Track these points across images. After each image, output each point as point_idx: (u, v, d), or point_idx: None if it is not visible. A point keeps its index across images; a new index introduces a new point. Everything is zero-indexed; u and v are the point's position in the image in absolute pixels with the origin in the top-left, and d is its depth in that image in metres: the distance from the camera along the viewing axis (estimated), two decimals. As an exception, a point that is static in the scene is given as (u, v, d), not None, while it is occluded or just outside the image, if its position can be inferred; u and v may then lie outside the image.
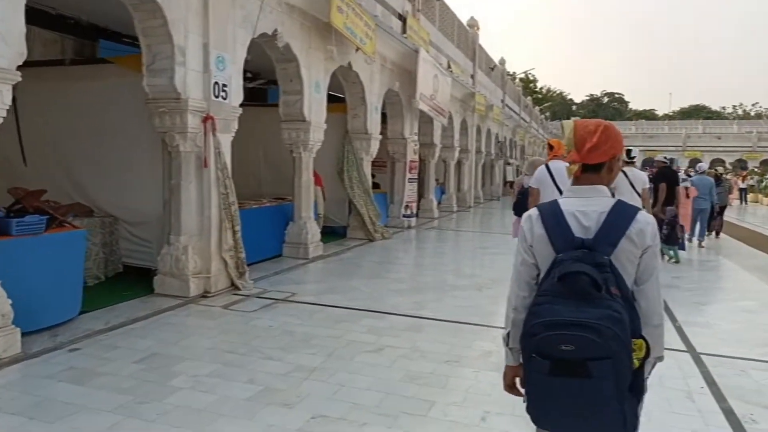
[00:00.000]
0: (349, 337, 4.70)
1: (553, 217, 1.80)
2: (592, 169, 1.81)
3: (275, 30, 7.05)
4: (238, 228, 6.26)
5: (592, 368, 1.56)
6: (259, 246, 7.90)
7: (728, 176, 19.82)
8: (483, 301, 6.17)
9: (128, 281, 6.35)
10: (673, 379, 3.98)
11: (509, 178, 28.45)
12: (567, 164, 1.90)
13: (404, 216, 12.67)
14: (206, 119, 5.81)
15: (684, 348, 4.72)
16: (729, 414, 3.47)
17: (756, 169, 38.67)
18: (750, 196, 25.60)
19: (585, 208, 1.78)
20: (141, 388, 3.55)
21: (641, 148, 65.59)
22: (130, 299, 5.65)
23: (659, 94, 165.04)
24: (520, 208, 6.65)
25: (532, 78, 70.77)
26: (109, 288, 6.13)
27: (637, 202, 6.97)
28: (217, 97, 5.92)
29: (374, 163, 14.04)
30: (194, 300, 5.74)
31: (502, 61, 26.49)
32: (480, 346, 4.60)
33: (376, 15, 9.24)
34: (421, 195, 15.41)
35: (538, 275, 1.82)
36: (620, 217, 1.74)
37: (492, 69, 23.79)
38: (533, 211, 1.87)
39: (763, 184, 27.58)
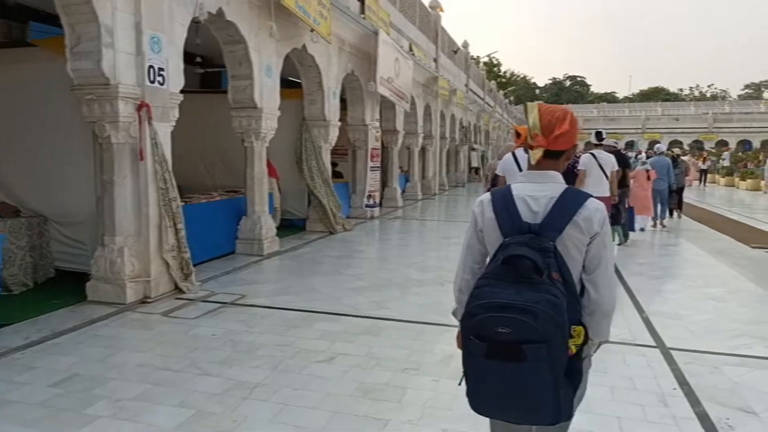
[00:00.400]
0: (299, 345, 4.31)
1: (502, 202, 1.80)
2: (553, 156, 1.82)
3: (219, 9, 6.50)
4: (180, 226, 5.76)
5: (527, 351, 1.55)
6: (209, 243, 7.42)
7: (685, 157, 20.06)
8: (445, 297, 5.85)
9: (60, 288, 5.79)
10: (644, 380, 3.74)
11: (474, 164, 28.35)
12: (526, 149, 1.88)
13: (367, 206, 12.28)
14: (141, 107, 5.27)
15: (653, 343, 4.50)
16: (704, 419, 3.23)
17: (712, 150, 39.65)
18: (708, 177, 26.11)
19: (536, 193, 1.78)
20: (52, 418, 3.08)
21: (603, 130, 66.56)
22: (59, 309, 5.10)
23: (620, 77, 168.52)
24: None
25: (496, 62, 70.89)
26: (37, 296, 5.57)
27: (605, 184, 6.94)
28: (152, 82, 5.37)
29: (335, 152, 13.67)
30: (131, 307, 5.24)
31: (466, 45, 26.17)
32: (441, 349, 4.27)
33: (331, -6, 8.74)
34: (384, 183, 15.04)
35: (485, 259, 1.86)
36: (568, 203, 1.74)
37: (455, 52, 23.47)
38: (485, 196, 1.89)
39: (719, 165, 28.20)
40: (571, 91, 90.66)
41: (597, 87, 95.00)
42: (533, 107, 1.86)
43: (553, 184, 1.80)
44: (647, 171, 10.57)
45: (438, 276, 6.79)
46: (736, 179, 23.92)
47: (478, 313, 1.61)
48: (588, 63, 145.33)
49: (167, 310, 5.18)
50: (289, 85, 11.61)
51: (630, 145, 57.25)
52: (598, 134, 7.84)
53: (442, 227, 12.09)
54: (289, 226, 10.00)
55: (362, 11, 11.05)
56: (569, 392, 1.69)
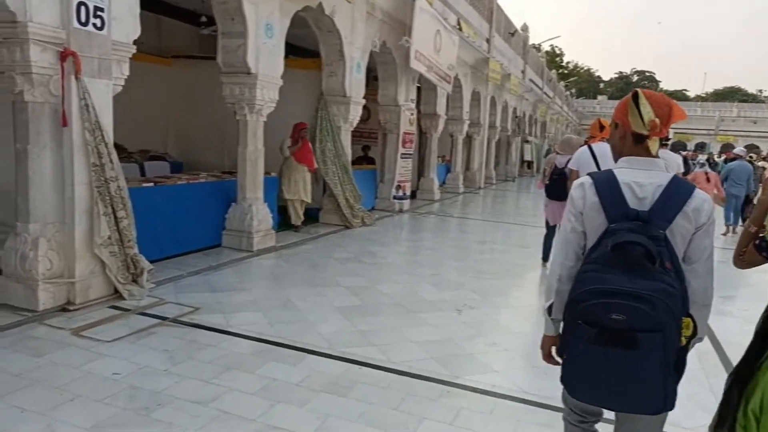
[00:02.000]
0: (224, 406, 2.94)
1: (607, 186, 1.76)
2: (661, 143, 1.85)
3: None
4: (124, 214, 4.49)
5: (642, 339, 1.55)
6: (188, 234, 6.19)
7: (761, 163, 17.57)
8: (460, 332, 4.35)
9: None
10: None
11: (527, 157, 26.27)
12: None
13: (395, 198, 10.81)
14: (64, 55, 4.00)
15: None
16: None
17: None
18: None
19: (641, 180, 1.74)
20: None
21: (672, 131, 62.32)
22: (-52, 313, 3.95)
23: (693, 74, 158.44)
24: (555, 191, 6.15)
25: (558, 51, 67.40)
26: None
27: None
28: (84, 24, 4.08)
29: (367, 134, 12.29)
30: (44, 316, 4.02)
31: (525, 28, 24.03)
32: (433, 429, 2.80)
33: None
34: (420, 173, 13.53)
35: (585, 245, 1.81)
36: (678, 192, 1.72)
37: (512, 35, 21.44)
38: (586, 179, 1.83)
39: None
40: (638, 86, 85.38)
41: (667, 84, 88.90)
42: (643, 99, 1.76)
43: (660, 172, 1.77)
44: (706, 173, 9.73)
45: (457, 298, 5.27)
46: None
47: (589, 299, 1.59)
48: (659, 58, 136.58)
49: (84, 325, 3.92)
50: (305, 54, 10.27)
51: (701, 146, 53.25)
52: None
53: (480, 228, 10.46)
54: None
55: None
56: (676, 383, 1.68)
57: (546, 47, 44.68)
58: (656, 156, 1.78)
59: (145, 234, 4.86)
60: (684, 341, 1.66)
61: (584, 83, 79.08)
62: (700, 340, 1.80)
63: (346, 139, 8.73)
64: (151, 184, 5.89)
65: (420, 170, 13.53)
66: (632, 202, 1.70)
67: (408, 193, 11.26)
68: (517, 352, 4.07)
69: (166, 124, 9.88)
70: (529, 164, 25.97)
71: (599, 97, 74.69)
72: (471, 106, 16.18)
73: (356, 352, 3.76)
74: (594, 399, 1.75)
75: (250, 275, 5.81)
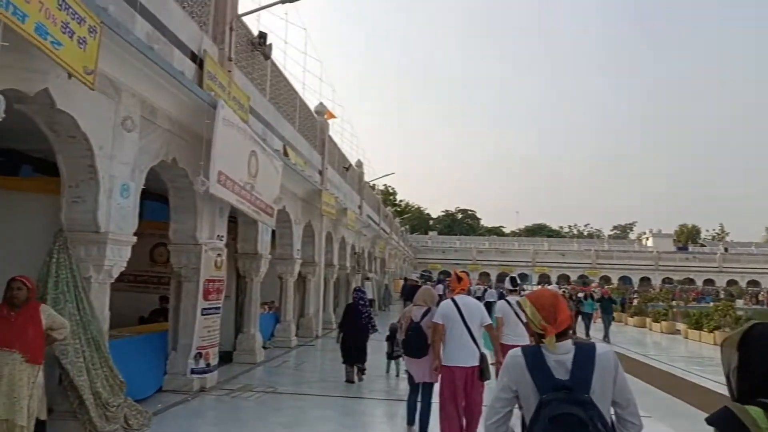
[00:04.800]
0: None
1: (534, 361, 2.02)
2: (561, 336, 2.07)
3: None
4: None
5: None
6: None
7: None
8: None
9: None
10: None
11: (369, 295, 24.52)
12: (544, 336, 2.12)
13: (193, 372, 7.68)
14: None
15: None
16: None
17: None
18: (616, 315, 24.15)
19: (558, 357, 2.02)
20: None
21: (495, 263, 67.39)
22: None
23: (507, 212, 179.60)
24: (413, 347, 5.63)
25: (391, 191, 71.06)
26: None
27: (523, 330, 6.49)
28: None
29: (167, 280, 9.29)
30: None
31: (359, 164, 23.62)
32: None
33: (106, 8, 4.92)
34: (238, 329, 10.58)
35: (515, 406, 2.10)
36: (584, 354, 2.00)
37: (347, 169, 20.59)
38: (517, 351, 2.11)
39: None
40: (462, 223, 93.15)
41: (486, 221, 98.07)
42: (525, 302, 2.21)
43: (565, 344, 2.06)
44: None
45: None
46: (648, 320, 21.97)
47: None
48: (478, 197, 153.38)
49: None
50: (39, 168, 7.29)
51: (523, 277, 57.40)
52: (513, 279, 7.58)
53: (312, 411, 7.60)
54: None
55: (199, 81, 7.40)
56: None
57: (380, 186, 46.06)
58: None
59: None
60: None
61: (416, 220, 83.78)
62: None
63: (101, 298, 5.70)
64: None
65: (237, 325, 10.60)
66: (557, 373, 1.96)
67: (214, 361, 8.19)
68: None
69: None
70: (371, 302, 24.14)
71: (430, 233, 79.28)
72: (304, 244, 14.07)
73: None
74: None
75: None
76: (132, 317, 9.76)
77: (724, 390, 1.71)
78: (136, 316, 10.10)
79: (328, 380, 9.20)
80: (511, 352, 2.15)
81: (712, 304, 22.55)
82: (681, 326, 19.59)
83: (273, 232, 11.49)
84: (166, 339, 7.87)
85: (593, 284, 45.43)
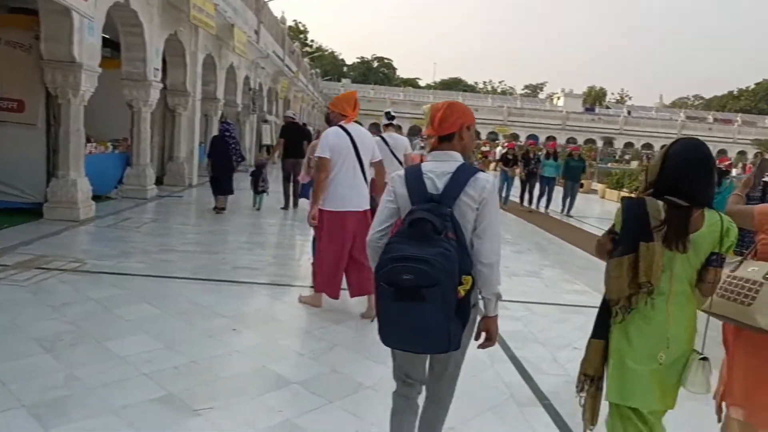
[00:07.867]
0: None
1: (414, 178, 2.17)
2: (446, 139, 2.21)
3: None
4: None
5: (425, 294, 1.90)
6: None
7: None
8: None
9: None
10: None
11: (266, 140, 21.36)
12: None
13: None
14: None
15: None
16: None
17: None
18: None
19: (438, 170, 2.15)
20: None
21: (409, 115, 65.01)
22: None
23: (425, 64, 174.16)
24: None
25: (303, 28, 64.08)
26: None
27: (397, 168, 5.83)
28: None
29: None
30: None
31: (256, -24, 18.89)
32: None
33: None
34: (51, 174, 7.41)
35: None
36: (462, 175, 2.11)
37: (237, -23, 16.08)
38: (399, 173, 2.25)
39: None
40: (378, 72, 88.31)
41: (402, 72, 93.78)
42: (425, 107, 3.32)
43: (453, 162, 2.16)
44: (422, 156, 8.48)
45: None
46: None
47: (387, 265, 1.95)
48: (395, 46, 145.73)
49: None
50: None
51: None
52: (388, 114, 6.71)
53: (127, 306, 5.01)
54: None
55: None
56: (458, 328, 2.01)
57: (290, 21, 40.05)
58: (448, 150, 2.19)
59: None
60: (462, 293, 1.97)
61: (329, 65, 77.97)
62: (496, 295, 2.14)
63: None
64: None
65: (50, 167, 7.41)
66: (431, 188, 2.12)
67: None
68: None
69: None
70: (268, 149, 21.06)
71: (343, 80, 74.35)
72: (170, 66, 10.49)
73: None
74: (399, 344, 2.11)
75: None
76: None
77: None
78: None
79: (176, 249, 6.54)
80: (395, 173, 2.27)
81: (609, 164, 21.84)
82: (598, 186, 18.69)
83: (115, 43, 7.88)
84: None
85: (505, 142, 44.72)
